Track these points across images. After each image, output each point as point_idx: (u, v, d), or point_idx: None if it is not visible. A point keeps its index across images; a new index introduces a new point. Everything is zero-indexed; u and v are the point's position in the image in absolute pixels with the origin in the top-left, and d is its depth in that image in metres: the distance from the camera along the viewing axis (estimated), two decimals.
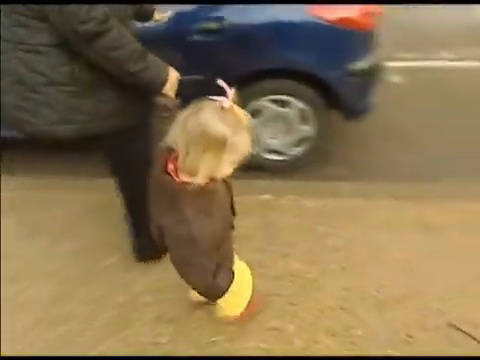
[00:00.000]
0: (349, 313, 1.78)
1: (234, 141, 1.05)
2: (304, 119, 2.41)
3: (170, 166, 1.14)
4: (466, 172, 2.60)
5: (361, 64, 2.27)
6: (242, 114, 1.07)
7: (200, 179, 1.09)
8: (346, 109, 2.43)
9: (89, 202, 2.49)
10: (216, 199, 1.21)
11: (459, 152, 2.80)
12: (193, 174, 1.09)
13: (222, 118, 1.03)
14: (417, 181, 2.54)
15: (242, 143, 1.07)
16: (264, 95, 2.32)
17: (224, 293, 1.32)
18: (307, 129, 2.44)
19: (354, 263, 1.98)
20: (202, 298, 1.55)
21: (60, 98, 1.40)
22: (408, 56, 3.98)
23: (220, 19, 2.10)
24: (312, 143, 2.50)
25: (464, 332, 1.71)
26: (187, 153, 1.06)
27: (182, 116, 1.05)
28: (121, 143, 1.65)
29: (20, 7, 1.29)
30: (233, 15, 2.12)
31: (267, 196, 2.09)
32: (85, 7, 1.23)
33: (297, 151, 2.54)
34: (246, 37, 2.15)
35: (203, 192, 1.12)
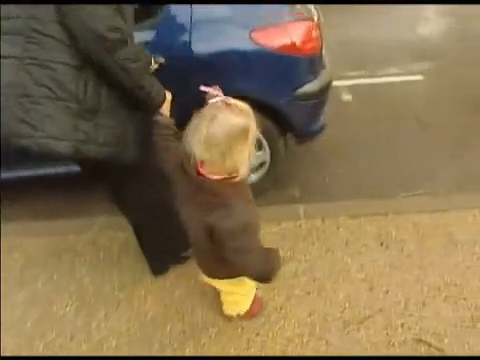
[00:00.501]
0: (317, 339, 1.79)
1: (252, 127, 1.17)
2: (258, 145, 2.43)
3: (200, 170, 1.22)
4: (419, 187, 2.69)
5: (309, 88, 2.31)
6: (241, 103, 1.18)
7: (242, 173, 1.21)
8: (298, 132, 2.47)
9: (45, 246, 2.40)
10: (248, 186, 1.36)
11: (412, 167, 2.89)
12: (235, 171, 1.20)
13: (234, 113, 1.14)
14: (373, 198, 2.60)
15: (254, 127, 1.18)
16: None
17: (277, 271, 1.41)
18: (262, 155, 2.46)
19: (317, 286, 2.00)
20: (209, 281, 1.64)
21: (62, 114, 1.41)
22: (355, 74, 4.12)
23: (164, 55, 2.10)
24: (268, 168, 2.52)
25: (430, 345, 1.75)
26: (224, 159, 1.15)
27: (200, 131, 1.12)
28: (123, 176, 1.71)
29: (39, 25, 1.33)
30: (177, 49, 2.12)
31: None
32: (110, 16, 1.30)
33: (254, 177, 2.55)
34: (193, 68, 2.15)
35: (241, 183, 1.25)
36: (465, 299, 1.91)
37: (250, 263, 1.32)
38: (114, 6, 1.33)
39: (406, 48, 4.60)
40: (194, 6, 2.11)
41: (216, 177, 1.22)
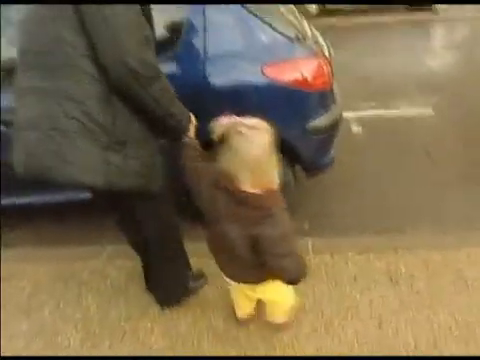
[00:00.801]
0: None
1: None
2: None
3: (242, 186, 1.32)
4: (428, 222, 2.66)
5: (319, 122, 2.34)
6: (258, 120, 1.31)
7: (276, 181, 1.38)
8: (308, 166, 2.49)
9: (51, 273, 2.41)
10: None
11: (421, 202, 2.87)
12: (270, 182, 1.36)
13: (261, 131, 1.29)
14: (382, 233, 2.57)
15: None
16: None
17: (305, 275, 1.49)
18: None
19: (325, 323, 1.96)
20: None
21: (92, 147, 1.41)
22: (365, 106, 4.16)
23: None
24: None
25: None
26: (262, 174, 1.32)
27: (240, 152, 1.26)
28: (136, 203, 1.69)
29: (70, 59, 1.35)
30: (192, 81, 2.16)
31: None
32: (143, 51, 1.35)
33: None
34: (207, 100, 2.19)
35: (277, 192, 1.40)
36: (476, 339, 1.87)
37: (288, 267, 1.41)
38: (144, 40, 1.37)
39: (416, 81, 4.65)
40: (209, 40, 2.18)
41: (257, 191, 1.33)
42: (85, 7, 1.30)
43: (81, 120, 1.38)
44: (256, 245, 1.35)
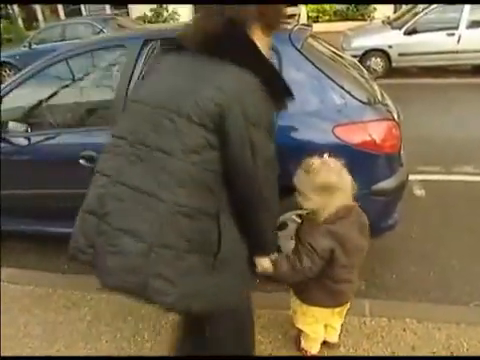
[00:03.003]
0: None
1: None
2: None
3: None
4: None
5: (385, 184, 2.36)
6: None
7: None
8: (371, 227, 2.47)
9: (113, 305, 2.51)
10: None
11: None
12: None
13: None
14: (442, 303, 2.47)
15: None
16: (290, 210, 2.40)
17: None
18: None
19: None
20: None
21: (200, 269, 1.30)
22: (429, 169, 4.10)
23: None
24: None
25: None
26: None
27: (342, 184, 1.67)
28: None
29: (194, 171, 1.25)
30: None
31: (289, 311, 2.07)
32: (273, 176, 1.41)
33: None
34: (279, 154, 2.27)
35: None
36: None
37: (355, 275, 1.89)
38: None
39: None
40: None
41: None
42: (229, 126, 1.22)
43: (191, 238, 1.27)
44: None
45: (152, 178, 1.25)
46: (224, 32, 1.24)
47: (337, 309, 1.91)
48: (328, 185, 1.61)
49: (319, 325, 1.95)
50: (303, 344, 2.05)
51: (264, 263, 1.58)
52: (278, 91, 1.29)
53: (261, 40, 1.33)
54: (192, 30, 1.31)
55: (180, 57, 1.33)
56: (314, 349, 2.05)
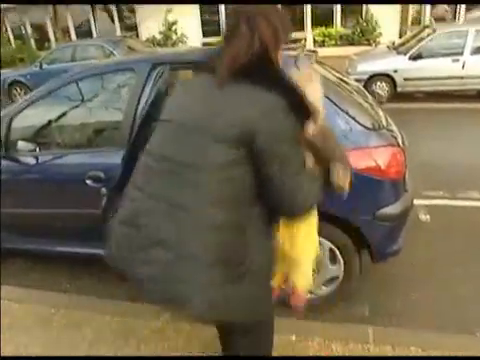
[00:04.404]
0: None
1: None
2: (333, 259, 2.45)
3: None
4: None
5: (390, 210, 2.36)
6: None
7: None
8: (375, 252, 2.47)
9: (114, 326, 2.50)
10: None
11: None
12: None
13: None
14: (447, 331, 2.44)
15: None
16: None
17: None
18: (335, 269, 2.47)
19: None
20: None
21: (228, 279, 1.34)
22: (434, 194, 4.10)
23: None
24: (340, 283, 2.51)
25: None
26: None
27: None
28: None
29: (234, 191, 1.31)
30: None
31: (292, 337, 2.05)
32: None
33: (325, 291, 2.54)
34: None
35: None
36: None
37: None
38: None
39: None
40: None
41: None
42: (258, 144, 1.28)
43: (215, 250, 1.31)
44: None
45: (183, 192, 1.33)
46: (253, 60, 1.34)
47: None
48: None
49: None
50: (298, 289, 1.74)
51: None
52: (301, 108, 1.37)
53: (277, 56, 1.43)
54: (222, 56, 1.38)
55: (209, 80, 1.40)
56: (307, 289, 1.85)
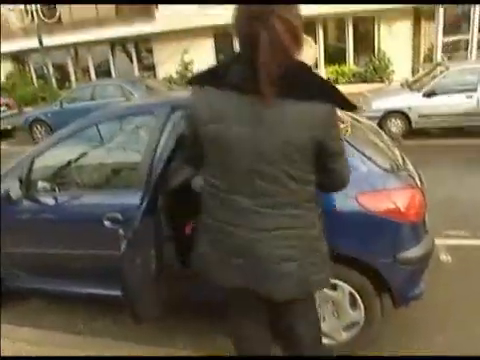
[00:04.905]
0: None
1: None
2: (353, 304, 2.39)
3: None
4: None
5: (411, 253, 2.30)
6: None
7: None
8: (396, 296, 2.40)
9: None
10: None
11: None
12: None
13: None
14: None
15: None
16: None
17: None
18: (356, 314, 2.40)
19: None
20: None
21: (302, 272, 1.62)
22: (455, 234, 4.01)
23: None
24: (360, 329, 2.43)
25: None
26: None
27: None
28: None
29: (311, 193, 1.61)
30: None
31: None
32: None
33: (345, 336, 2.46)
34: None
35: None
36: None
37: None
38: None
39: None
40: None
41: None
42: (322, 149, 1.50)
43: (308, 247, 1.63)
44: None
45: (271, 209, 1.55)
46: (288, 71, 1.38)
47: None
48: None
49: None
50: None
51: None
52: (343, 105, 1.54)
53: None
54: (252, 71, 1.34)
55: (243, 98, 1.42)
56: None
